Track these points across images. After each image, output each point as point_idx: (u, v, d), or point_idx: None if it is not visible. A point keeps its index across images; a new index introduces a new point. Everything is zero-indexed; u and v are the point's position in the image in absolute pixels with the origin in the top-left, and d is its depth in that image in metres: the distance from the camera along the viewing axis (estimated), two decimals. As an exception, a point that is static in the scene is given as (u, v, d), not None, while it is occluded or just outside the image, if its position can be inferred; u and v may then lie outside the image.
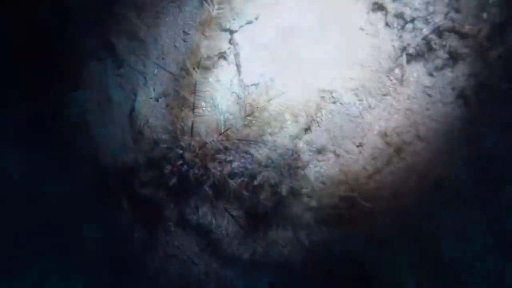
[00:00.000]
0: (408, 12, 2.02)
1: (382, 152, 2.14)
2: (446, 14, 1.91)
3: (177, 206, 2.65)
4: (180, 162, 2.52)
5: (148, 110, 3.69)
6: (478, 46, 1.79)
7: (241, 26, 2.91)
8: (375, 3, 2.19)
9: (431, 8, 1.96)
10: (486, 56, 1.75)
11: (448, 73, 1.96)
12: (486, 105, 1.76)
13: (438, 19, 1.91)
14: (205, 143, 2.38)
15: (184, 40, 3.51)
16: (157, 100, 3.68)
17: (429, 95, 2.02)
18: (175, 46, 3.62)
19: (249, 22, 2.88)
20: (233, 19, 2.96)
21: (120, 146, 4.21)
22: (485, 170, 1.80)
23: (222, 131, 2.32)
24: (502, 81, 1.74)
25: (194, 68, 2.78)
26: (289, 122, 2.44)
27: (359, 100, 2.26)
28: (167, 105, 3.55)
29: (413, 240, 1.98)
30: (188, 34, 3.48)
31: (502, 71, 1.69)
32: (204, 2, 3.06)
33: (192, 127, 2.41)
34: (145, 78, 3.84)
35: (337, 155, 2.27)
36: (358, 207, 2.12)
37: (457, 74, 1.91)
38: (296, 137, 2.44)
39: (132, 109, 3.76)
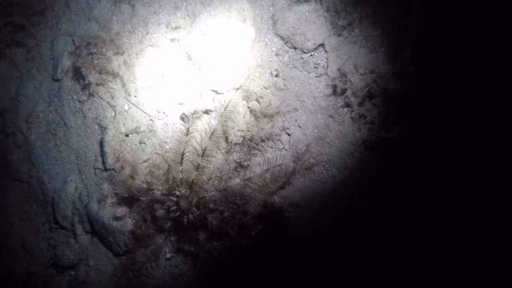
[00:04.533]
0: (369, 116, 2.74)
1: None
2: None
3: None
4: (175, 208, 2.72)
5: (117, 144, 3.66)
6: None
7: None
8: (345, 102, 2.87)
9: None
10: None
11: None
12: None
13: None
14: (204, 196, 2.64)
15: (162, 85, 3.61)
16: (127, 136, 3.68)
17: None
18: (150, 87, 3.67)
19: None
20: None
21: (74, 172, 4.00)
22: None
23: (222, 188, 2.63)
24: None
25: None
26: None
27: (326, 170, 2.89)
28: (140, 142, 3.60)
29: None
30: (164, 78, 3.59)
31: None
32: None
33: (192, 182, 2.64)
34: (114, 111, 3.78)
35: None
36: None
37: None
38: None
39: (101, 141, 3.66)
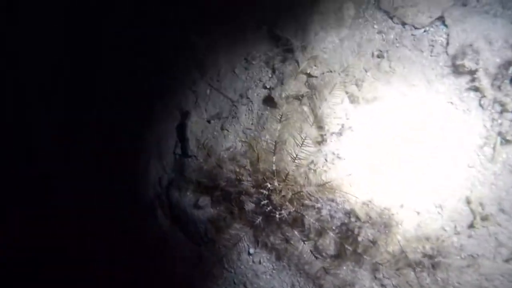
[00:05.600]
0: (510, 103, 2.16)
1: (463, 217, 2.28)
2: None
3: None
4: (266, 202, 2.43)
5: (199, 130, 3.49)
6: None
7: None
8: (472, 85, 2.30)
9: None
10: None
11: (536, 161, 2.13)
12: None
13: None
14: (299, 191, 2.33)
15: (246, 68, 3.35)
16: (209, 122, 3.49)
17: (515, 176, 2.18)
18: (233, 71, 3.43)
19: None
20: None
21: (155, 157, 3.94)
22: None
23: (319, 182, 2.29)
24: None
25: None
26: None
27: (444, 166, 2.37)
28: (222, 129, 3.38)
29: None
30: (252, 63, 3.32)
31: None
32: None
33: (287, 174, 2.33)
34: (196, 97, 3.61)
35: (417, 213, 2.37)
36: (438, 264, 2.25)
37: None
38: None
39: (183, 126, 3.52)
